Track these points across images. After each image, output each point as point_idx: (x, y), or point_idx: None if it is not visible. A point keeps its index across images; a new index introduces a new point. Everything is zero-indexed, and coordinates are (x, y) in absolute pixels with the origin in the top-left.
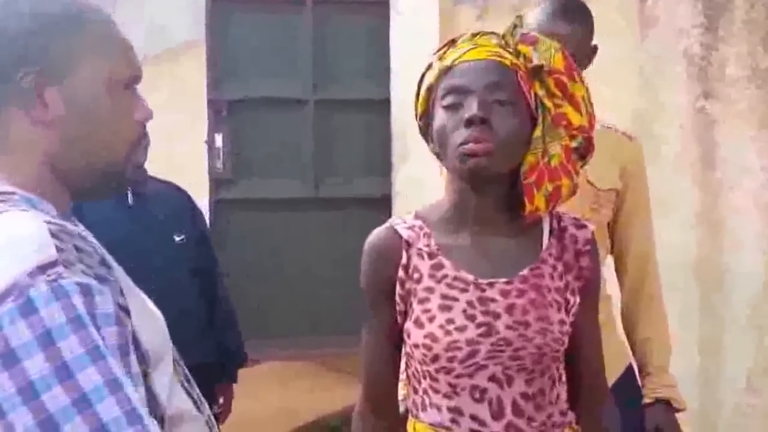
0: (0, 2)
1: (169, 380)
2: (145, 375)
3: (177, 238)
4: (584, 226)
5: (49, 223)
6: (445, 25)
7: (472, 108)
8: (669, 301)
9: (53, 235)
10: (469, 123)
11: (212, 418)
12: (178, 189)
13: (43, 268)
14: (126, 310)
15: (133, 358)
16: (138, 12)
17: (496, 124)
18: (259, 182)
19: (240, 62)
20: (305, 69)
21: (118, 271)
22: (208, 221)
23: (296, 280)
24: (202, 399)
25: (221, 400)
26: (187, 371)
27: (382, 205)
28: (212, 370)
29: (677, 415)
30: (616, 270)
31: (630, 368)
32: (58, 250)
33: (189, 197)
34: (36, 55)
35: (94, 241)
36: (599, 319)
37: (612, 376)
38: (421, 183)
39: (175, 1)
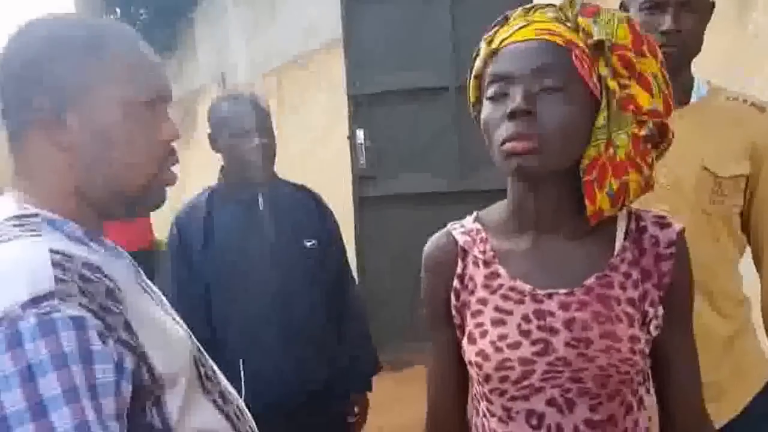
0: (20, 26)
1: (182, 401)
2: (158, 399)
3: (308, 243)
4: (668, 225)
5: (54, 252)
6: None
7: (515, 99)
8: None
9: (56, 264)
10: (512, 116)
11: None
12: (309, 191)
13: (36, 300)
14: (128, 345)
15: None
16: (295, 13)
17: (544, 115)
18: (403, 176)
19: (378, 54)
20: (444, 54)
21: (130, 299)
22: (352, 220)
23: None
24: (243, 415)
25: (356, 410)
26: (223, 388)
27: None
28: (344, 377)
29: None
30: (756, 267)
31: None
32: (58, 280)
33: (320, 200)
34: (53, 80)
35: (108, 268)
36: (736, 326)
37: (752, 389)
38: None
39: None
